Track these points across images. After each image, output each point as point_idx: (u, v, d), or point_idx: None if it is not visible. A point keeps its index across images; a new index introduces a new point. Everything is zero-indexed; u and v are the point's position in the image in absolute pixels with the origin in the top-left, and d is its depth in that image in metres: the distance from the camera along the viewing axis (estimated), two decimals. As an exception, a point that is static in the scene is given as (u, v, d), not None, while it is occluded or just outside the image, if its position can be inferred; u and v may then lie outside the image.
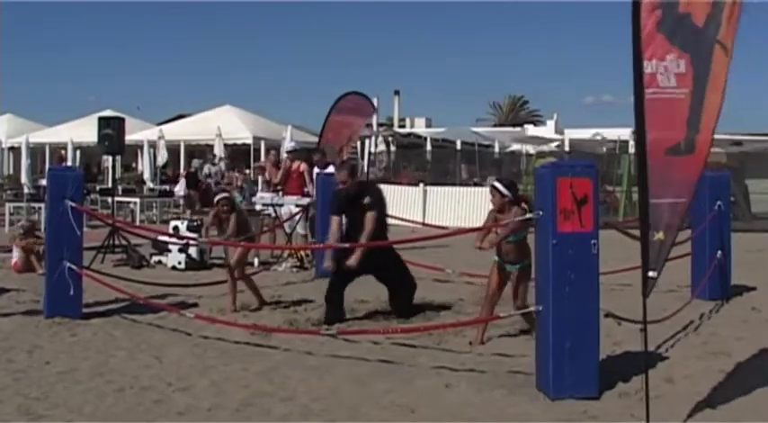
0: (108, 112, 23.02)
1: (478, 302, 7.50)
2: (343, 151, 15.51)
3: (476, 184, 22.78)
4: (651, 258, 4.82)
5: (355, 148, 21.92)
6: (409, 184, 21.80)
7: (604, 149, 26.53)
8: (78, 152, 26.61)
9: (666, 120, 4.76)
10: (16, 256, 11.24)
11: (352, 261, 7.68)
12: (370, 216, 7.86)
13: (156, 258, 12.01)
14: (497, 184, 6.85)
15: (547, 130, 31.69)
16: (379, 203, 8.14)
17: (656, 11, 4.69)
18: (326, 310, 8.01)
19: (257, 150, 24.96)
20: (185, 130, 26.74)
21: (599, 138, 27.34)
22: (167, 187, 23.70)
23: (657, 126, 4.71)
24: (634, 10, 4.65)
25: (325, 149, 14.38)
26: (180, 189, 20.88)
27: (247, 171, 24.38)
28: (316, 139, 17.82)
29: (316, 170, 13.01)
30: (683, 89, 4.79)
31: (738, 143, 24.01)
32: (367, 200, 7.98)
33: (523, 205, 6.67)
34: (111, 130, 13.37)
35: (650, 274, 4.82)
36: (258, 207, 13.04)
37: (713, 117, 4.85)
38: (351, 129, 15.56)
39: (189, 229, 12.03)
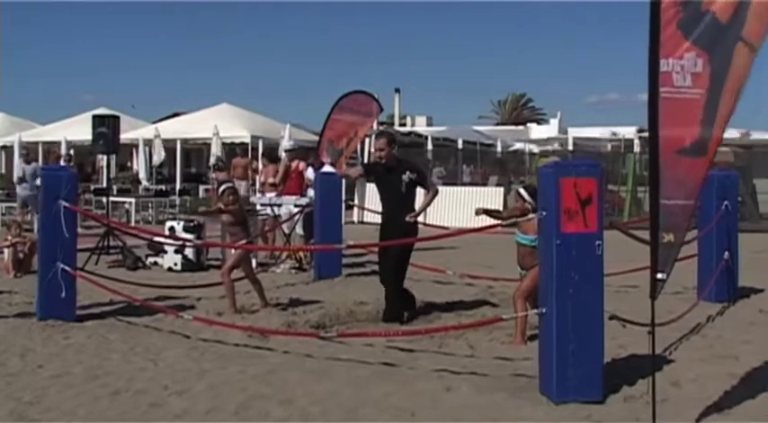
0: (102, 111, 22.94)
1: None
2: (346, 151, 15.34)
3: (475, 184, 22.81)
4: (660, 260, 4.72)
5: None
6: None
7: (609, 147, 26.44)
8: (72, 151, 26.49)
9: (678, 120, 4.66)
10: (6, 257, 11.15)
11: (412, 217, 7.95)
12: (432, 190, 8.24)
13: (151, 259, 11.91)
14: (521, 191, 7.13)
15: (550, 129, 31.51)
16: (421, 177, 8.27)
17: (676, 7, 4.56)
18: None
19: (255, 149, 24.79)
20: (181, 129, 26.50)
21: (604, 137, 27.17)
22: (163, 187, 23.56)
23: (669, 126, 4.61)
24: (653, 6, 4.52)
25: (327, 149, 14.26)
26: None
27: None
28: (315, 138, 17.59)
29: (310, 171, 12.90)
30: (697, 89, 4.68)
31: (746, 142, 23.85)
32: (410, 176, 8.02)
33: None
34: (106, 128, 13.26)
35: (659, 276, 4.72)
36: (257, 207, 12.94)
37: (724, 119, 4.75)
38: (354, 128, 15.26)
39: (185, 229, 11.92)
